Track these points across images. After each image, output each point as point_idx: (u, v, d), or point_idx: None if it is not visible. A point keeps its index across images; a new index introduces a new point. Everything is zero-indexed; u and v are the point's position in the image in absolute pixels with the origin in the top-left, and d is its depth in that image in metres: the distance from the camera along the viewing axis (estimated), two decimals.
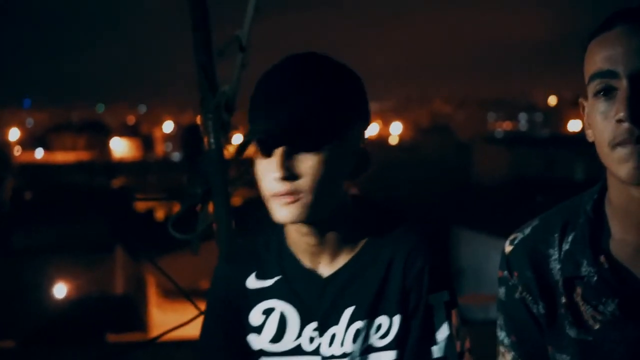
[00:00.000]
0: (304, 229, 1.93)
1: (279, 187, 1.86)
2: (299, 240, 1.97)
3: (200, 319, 2.16)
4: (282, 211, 1.88)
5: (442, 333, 1.95)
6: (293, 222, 1.90)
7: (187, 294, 3.35)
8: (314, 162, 1.87)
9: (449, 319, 1.94)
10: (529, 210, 1.99)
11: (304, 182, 1.87)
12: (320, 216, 1.91)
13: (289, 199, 1.86)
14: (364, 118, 1.94)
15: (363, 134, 1.95)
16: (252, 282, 2.03)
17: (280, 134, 1.82)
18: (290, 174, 1.85)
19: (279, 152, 1.86)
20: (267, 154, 1.87)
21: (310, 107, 1.83)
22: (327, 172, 1.88)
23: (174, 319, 3.52)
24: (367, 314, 1.95)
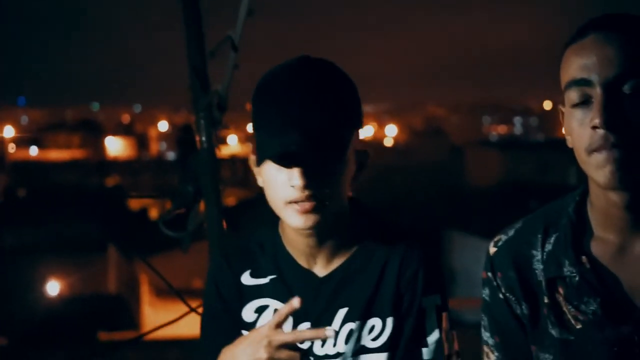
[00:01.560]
0: (305, 231, 1.96)
1: (298, 194, 1.90)
2: (297, 241, 2.00)
3: (190, 317, 2.19)
4: (299, 218, 1.91)
5: (433, 336, 1.98)
6: (310, 228, 1.93)
7: (178, 292, 3.37)
8: (332, 169, 1.91)
9: (439, 322, 1.97)
10: (523, 214, 2.01)
11: (323, 188, 1.91)
12: (331, 220, 1.95)
13: (308, 205, 1.90)
14: (361, 120, 1.99)
15: (359, 134, 1.99)
16: (247, 279, 2.06)
17: (303, 148, 1.85)
18: (310, 182, 1.89)
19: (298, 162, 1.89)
20: (288, 166, 1.90)
21: (329, 118, 1.88)
22: (341, 178, 1.93)
23: (166, 318, 3.53)
24: (360, 315, 1.98)
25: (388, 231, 2.03)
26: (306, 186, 1.89)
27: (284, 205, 1.92)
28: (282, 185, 1.91)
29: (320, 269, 2.02)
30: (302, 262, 2.02)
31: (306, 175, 1.89)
